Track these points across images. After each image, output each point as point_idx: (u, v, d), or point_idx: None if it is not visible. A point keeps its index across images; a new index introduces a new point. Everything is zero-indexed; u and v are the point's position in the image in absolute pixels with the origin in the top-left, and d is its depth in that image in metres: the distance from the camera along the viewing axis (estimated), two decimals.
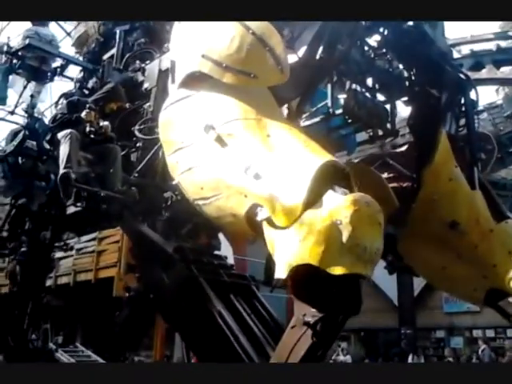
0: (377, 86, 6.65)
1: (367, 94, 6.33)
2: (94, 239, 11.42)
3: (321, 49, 5.32)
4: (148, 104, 6.74)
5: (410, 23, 6.58)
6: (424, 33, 6.58)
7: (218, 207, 4.30)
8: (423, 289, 18.13)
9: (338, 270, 3.36)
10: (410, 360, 15.33)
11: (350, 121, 5.98)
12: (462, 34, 9.70)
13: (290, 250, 3.61)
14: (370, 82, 6.61)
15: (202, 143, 4.39)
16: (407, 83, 6.91)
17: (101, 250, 11.28)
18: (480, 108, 14.65)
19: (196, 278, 5.99)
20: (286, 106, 5.51)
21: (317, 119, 6.16)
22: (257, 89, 4.54)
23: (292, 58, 4.92)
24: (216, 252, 7.38)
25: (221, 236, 7.58)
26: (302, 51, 5.28)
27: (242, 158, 4.05)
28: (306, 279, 3.64)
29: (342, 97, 5.94)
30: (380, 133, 6.54)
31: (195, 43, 4.73)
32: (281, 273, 3.59)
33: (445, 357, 17.33)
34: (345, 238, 3.37)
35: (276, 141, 4.01)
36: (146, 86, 7.04)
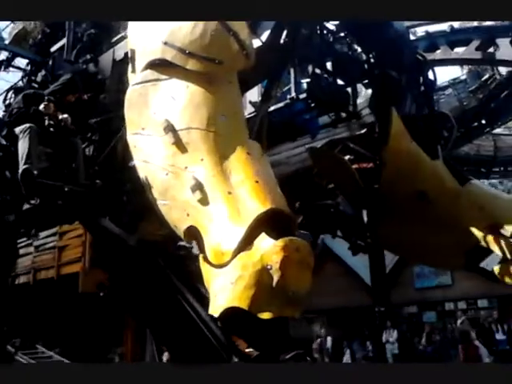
0: (337, 69, 6.78)
1: (329, 78, 6.47)
2: (54, 234, 11.04)
3: (285, 33, 5.37)
4: (103, 95, 6.63)
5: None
6: None
7: (163, 212, 4.34)
8: (394, 266, 18.61)
9: (266, 315, 3.48)
10: (383, 337, 15.75)
11: (312, 105, 6.08)
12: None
13: (222, 290, 3.68)
14: (330, 65, 6.75)
15: (160, 140, 4.36)
16: (366, 66, 7.08)
17: (62, 245, 10.96)
18: (445, 84, 15.09)
19: (163, 269, 6.04)
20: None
21: (281, 104, 6.24)
22: (222, 77, 4.50)
23: (256, 43, 4.91)
24: (181, 242, 7.38)
25: None
26: (265, 35, 5.30)
27: (194, 175, 4.05)
28: (241, 315, 3.71)
29: (304, 81, 6.04)
30: (343, 115, 6.68)
31: (156, 31, 4.66)
32: (214, 311, 3.69)
33: (419, 332, 17.84)
34: (274, 283, 3.47)
35: (230, 167, 4.03)
36: (99, 77, 6.91)
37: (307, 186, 6.85)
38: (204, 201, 3.93)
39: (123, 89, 5.04)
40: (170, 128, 4.26)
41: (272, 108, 6.26)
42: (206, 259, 3.85)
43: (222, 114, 4.29)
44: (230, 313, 3.58)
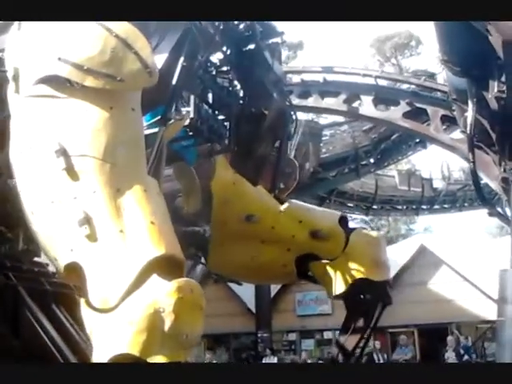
0: (217, 102, 7.09)
1: (208, 110, 6.73)
2: None
3: (182, 58, 5.48)
4: None
5: (251, 47, 7.19)
6: (263, 57, 7.22)
7: (44, 242, 4.08)
8: (277, 292, 19.07)
9: (158, 359, 3.42)
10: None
11: (191, 133, 6.27)
12: (295, 64, 10.74)
13: (110, 336, 3.55)
14: (210, 98, 7.02)
15: (48, 164, 4.04)
16: (242, 103, 7.49)
17: None
18: (342, 120, 16.20)
19: (14, 286, 5.76)
20: None
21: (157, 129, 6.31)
22: (125, 102, 4.38)
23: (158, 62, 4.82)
24: (36, 259, 7.08)
25: None
26: (162, 59, 5.25)
27: (83, 207, 3.82)
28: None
29: (185, 110, 6.19)
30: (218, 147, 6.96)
31: (47, 47, 4.40)
32: (100, 358, 3.56)
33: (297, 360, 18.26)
34: (167, 327, 3.42)
35: (124, 203, 3.86)
36: None
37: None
38: (92, 237, 3.72)
39: None
40: (62, 152, 3.99)
41: (153, 130, 6.29)
42: (88, 303, 3.67)
43: (121, 144, 4.12)
44: (121, 359, 3.44)
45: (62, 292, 6.47)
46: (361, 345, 7.52)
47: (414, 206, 22.26)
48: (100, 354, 3.56)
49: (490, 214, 7.25)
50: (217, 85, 7.18)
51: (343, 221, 7.44)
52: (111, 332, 3.54)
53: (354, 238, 7.14)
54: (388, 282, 7.31)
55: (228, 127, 7.05)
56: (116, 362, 3.46)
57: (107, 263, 3.66)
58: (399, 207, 22.58)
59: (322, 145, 16.93)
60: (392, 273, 17.98)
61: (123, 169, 4.03)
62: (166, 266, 3.71)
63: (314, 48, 49.53)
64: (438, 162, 20.50)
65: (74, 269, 3.78)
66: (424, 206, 22.31)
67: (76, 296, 6.59)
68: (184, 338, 3.50)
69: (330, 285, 7.25)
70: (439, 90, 10.27)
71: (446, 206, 22.52)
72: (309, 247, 7.17)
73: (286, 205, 7.34)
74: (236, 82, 7.45)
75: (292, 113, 7.94)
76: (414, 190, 21.49)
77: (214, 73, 7.17)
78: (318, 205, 19.83)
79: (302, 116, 13.20)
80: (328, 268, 7.21)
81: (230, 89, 7.41)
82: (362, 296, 7.30)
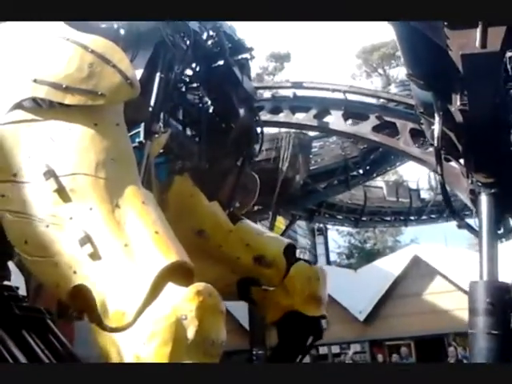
0: (187, 119, 7.16)
1: (178, 127, 6.79)
2: None
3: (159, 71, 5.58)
4: None
5: (221, 63, 7.30)
6: (233, 73, 7.32)
7: (41, 271, 3.97)
8: None
9: None
10: None
11: (161, 151, 6.30)
12: (266, 80, 10.93)
13: (132, 355, 3.41)
14: (181, 114, 7.09)
15: (37, 188, 3.95)
16: (212, 119, 7.58)
17: None
18: None
19: None
20: None
21: (135, 144, 6.35)
22: (109, 117, 4.32)
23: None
24: (6, 282, 6.96)
25: (11, 265, 7.16)
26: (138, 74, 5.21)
27: (82, 226, 3.72)
28: None
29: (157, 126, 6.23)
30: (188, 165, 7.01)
31: (19, 69, 4.34)
32: None
33: None
34: (192, 334, 3.31)
35: (124, 217, 3.79)
36: None
37: None
38: (95, 255, 3.62)
39: None
40: (51, 173, 3.91)
41: None
42: (100, 326, 3.51)
43: (111, 159, 4.05)
44: None
45: (33, 317, 6.38)
46: None
47: (403, 217, 22.38)
48: None
49: (459, 227, 7.35)
50: (187, 101, 7.25)
51: (290, 250, 7.42)
52: (133, 349, 3.41)
53: (294, 270, 7.10)
54: (323, 316, 7.32)
55: (198, 143, 7.12)
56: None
57: (116, 279, 3.55)
58: (388, 218, 22.65)
59: (311, 156, 16.96)
60: (386, 285, 18.18)
61: (117, 183, 3.97)
62: (176, 275, 3.64)
63: (301, 59, 49.96)
64: (424, 173, 20.74)
65: (79, 292, 3.66)
66: (412, 217, 22.45)
67: (47, 321, 6.55)
68: (210, 344, 3.41)
69: (266, 311, 7.36)
70: (408, 104, 10.50)
71: (433, 216, 22.54)
72: (251, 272, 7.20)
73: (237, 225, 7.36)
74: (206, 99, 7.53)
75: (259, 131, 8.03)
76: (402, 200, 21.65)
77: (183, 89, 7.25)
78: (308, 218, 19.93)
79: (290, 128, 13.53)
80: (266, 295, 7.24)
81: (200, 105, 7.49)
82: (294, 327, 7.18)
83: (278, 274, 7.08)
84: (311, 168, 16.73)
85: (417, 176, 24.11)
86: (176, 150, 6.39)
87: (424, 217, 22.60)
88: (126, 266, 3.59)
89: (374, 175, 19.41)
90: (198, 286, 3.51)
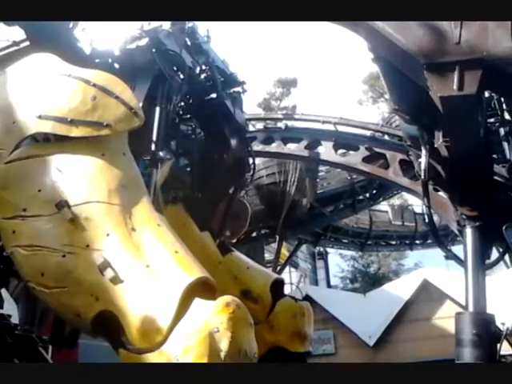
0: (180, 149, 7.37)
1: (171, 157, 6.99)
2: None
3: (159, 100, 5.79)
4: None
5: (213, 96, 7.54)
6: (225, 106, 7.56)
7: (60, 302, 3.96)
8: None
9: None
10: None
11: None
12: (257, 111, 11.20)
13: None
14: (173, 145, 7.31)
15: (49, 220, 4.00)
16: (204, 150, 7.79)
17: None
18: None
19: None
20: None
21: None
22: (115, 147, 4.42)
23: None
24: None
25: (4, 293, 7.24)
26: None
27: (101, 252, 3.75)
28: None
29: (147, 158, 6.41)
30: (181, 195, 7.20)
31: (22, 108, 4.47)
32: None
33: None
34: (226, 346, 3.34)
35: (142, 240, 3.86)
36: None
37: None
38: (117, 279, 3.64)
39: None
40: (63, 204, 3.98)
41: None
42: (128, 349, 3.52)
43: (122, 186, 4.15)
44: None
45: (25, 345, 6.44)
46: None
47: (408, 241, 22.30)
48: None
49: (446, 257, 7.49)
50: (180, 132, 7.47)
51: (279, 284, 7.42)
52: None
53: (279, 306, 7.09)
54: (308, 352, 7.18)
55: (190, 173, 7.32)
56: None
57: (142, 300, 3.58)
58: (393, 242, 22.55)
59: (318, 180, 17.00)
60: (396, 309, 18.03)
61: (131, 208, 4.05)
62: (199, 291, 3.69)
63: (308, 85, 49.96)
64: None
65: (104, 318, 3.69)
66: (418, 241, 22.35)
67: (39, 349, 6.60)
68: (244, 355, 3.44)
69: None
70: (396, 135, 10.74)
71: None
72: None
73: (226, 256, 7.36)
74: (198, 130, 7.75)
75: (251, 161, 8.22)
76: (408, 224, 21.57)
77: (176, 120, 7.47)
78: (315, 241, 19.80)
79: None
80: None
81: (193, 136, 7.71)
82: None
83: (263, 309, 7.02)
84: (318, 192, 16.76)
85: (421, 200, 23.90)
86: (169, 179, 6.57)
87: (429, 241, 22.49)
88: (151, 286, 3.63)
89: (381, 199, 19.29)
90: (227, 298, 3.55)
